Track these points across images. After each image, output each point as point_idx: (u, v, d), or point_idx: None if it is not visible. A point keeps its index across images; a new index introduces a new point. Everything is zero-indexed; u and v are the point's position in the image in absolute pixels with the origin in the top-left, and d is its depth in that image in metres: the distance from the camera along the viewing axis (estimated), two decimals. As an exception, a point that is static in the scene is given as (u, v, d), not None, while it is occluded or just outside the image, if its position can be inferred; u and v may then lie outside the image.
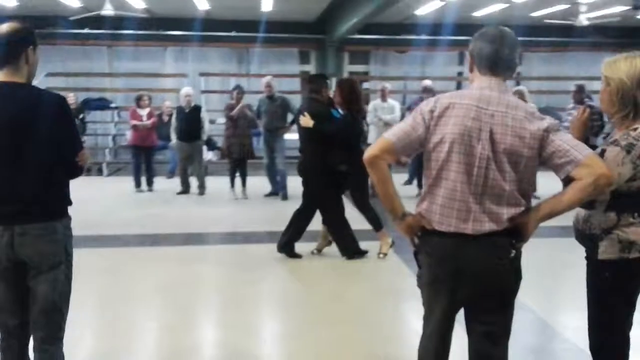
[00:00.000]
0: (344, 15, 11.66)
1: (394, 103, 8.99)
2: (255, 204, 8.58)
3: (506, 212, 2.10)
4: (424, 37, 13.11)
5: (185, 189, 9.24)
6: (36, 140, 2.37)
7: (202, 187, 9.18)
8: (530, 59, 14.36)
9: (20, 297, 2.45)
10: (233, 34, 12.96)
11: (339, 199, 5.62)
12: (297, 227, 5.62)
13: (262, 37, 12.68)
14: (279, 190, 8.81)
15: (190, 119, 8.85)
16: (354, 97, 5.41)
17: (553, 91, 13.33)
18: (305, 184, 5.62)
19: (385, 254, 5.58)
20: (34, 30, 2.49)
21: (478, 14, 11.59)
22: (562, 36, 13.36)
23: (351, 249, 5.58)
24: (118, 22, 10.88)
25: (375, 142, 2.21)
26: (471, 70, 2.22)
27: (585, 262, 2.42)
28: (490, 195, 2.09)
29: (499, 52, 2.12)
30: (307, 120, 5.31)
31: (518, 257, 2.17)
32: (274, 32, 12.47)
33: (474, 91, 2.15)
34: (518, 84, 13.94)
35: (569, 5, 10.54)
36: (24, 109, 2.37)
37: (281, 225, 7.04)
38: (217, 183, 9.51)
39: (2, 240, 2.36)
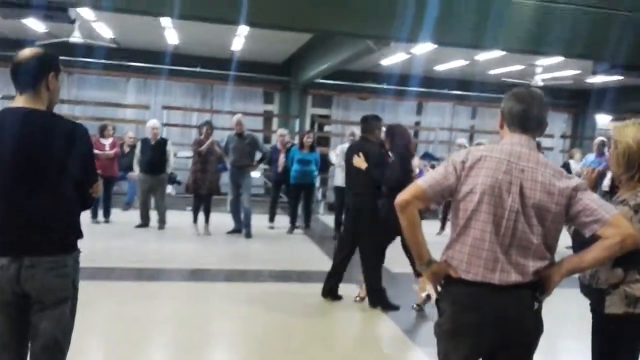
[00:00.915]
0: (311, 60, 11.89)
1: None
2: (218, 240, 8.45)
3: (532, 265, 2.16)
4: (385, 86, 13.51)
5: (145, 222, 9.02)
6: (51, 169, 2.30)
7: (162, 222, 8.98)
8: (484, 114, 14.98)
9: (19, 332, 2.32)
10: (198, 69, 12.96)
11: (383, 246, 5.48)
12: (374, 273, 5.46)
13: (228, 75, 12.74)
14: (242, 227, 8.73)
15: (155, 152, 8.71)
16: (403, 143, 5.30)
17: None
18: (352, 224, 5.47)
19: (420, 306, 5.44)
20: (56, 56, 2.43)
21: (439, 68, 12.06)
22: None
23: (381, 301, 5.44)
24: (82, 50, 10.71)
25: (408, 188, 2.27)
26: (501, 127, 2.33)
27: (589, 314, 2.51)
28: (518, 247, 2.16)
29: (528, 112, 2.24)
30: (360, 162, 5.19)
31: (540, 309, 2.23)
32: (240, 70, 12.55)
33: (505, 146, 2.24)
34: (471, 137, 14.61)
35: (525, 67, 11.12)
36: (41, 136, 2.30)
37: (242, 263, 7.04)
38: (176, 217, 9.34)
39: (8, 272, 2.24)
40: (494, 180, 2.16)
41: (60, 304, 2.33)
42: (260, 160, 9.00)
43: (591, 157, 9.40)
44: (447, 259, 2.24)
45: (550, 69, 11.15)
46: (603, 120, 15.83)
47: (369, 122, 5.49)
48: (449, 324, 2.23)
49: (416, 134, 14.31)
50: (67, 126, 2.37)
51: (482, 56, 10.42)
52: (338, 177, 8.98)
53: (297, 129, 13.23)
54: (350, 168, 5.43)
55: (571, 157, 11.71)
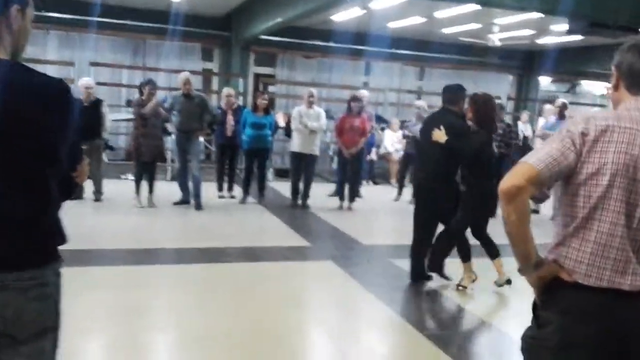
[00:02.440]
0: (256, 14, 10.98)
1: (319, 110, 8.48)
2: (165, 213, 7.61)
3: None
4: (334, 44, 12.81)
5: (79, 194, 7.99)
6: (20, 147, 1.55)
7: (98, 192, 8.00)
8: (431, 75, 14.64)
9: None
10: (129, 22, 11.73)
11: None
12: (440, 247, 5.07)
13: (162, 28, 11.60)
14: (190, 198, 7.93)
15: (89, 115, 7.65)
16: (483, 113, 4.80)
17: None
18: (424, 199, 5.06)
19: (465, 287, 5.00)
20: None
21: (393, 25, 11.48)
22: (466, 55, 13.75)
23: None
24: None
25: (515, 169, 1.74)
26: (616, 88, 1.83)
27: None
28: None
29: None
30: (440, 135, 4.72)
31: None
32: (176, 24, 11.43)
33: (632, 112, 1.74)
34: (419, 98, 14.26)
35: (482, 25, 10.75)
36: (6, 97, 1.52)
37: (194, 239, 6.25)
38: (113, 187, 8.39)
39: None
40: (628, 158, 1.68)
41: (39, 337, 1.63)
42: (211, 124, 8.15)
43: (552, 119, 9.18)
44: (559, 259, 1.77)
45: (506, 28, 10.83)
46: (544, 82, 15.92)
47: (453, 92, 5.03)
48: (558, 338, 1.75)
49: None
50: (42, 83, 1.61)
51: (441, 13, 9.92)
52: (295, 142, 8.30)
53: (241, 89, 12.33)
54: (426, 142, 4.96)
55: (519, 119, 11.59)
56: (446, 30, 11.70)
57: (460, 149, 4.74)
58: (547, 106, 12.09)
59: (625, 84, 1.80)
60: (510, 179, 1.71)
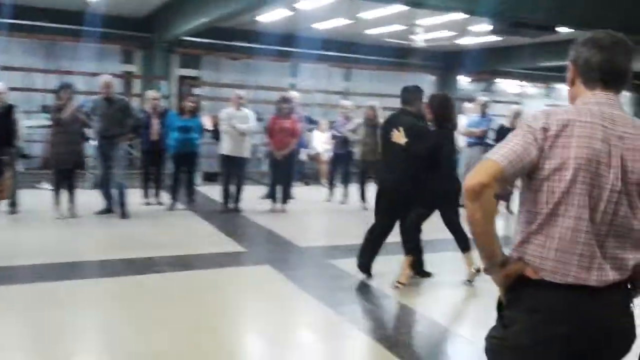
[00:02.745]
0: (180, 15, 10.65)
1: (248, 112, 8.31)
2: (88, 223, 7.20)
3: (632, 257, 1.72)
4: (260, 45, 12.66)
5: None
6: None
7: (14, 205, 7.46)
8: (358, 76, 14.77)
9: None
10: (42, 23, 11.07)
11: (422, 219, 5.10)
12: (375, 246, 5.23)
13: (79, 30, 11.04)
14: (114, 206, 7.55)
15: (1, 122, 7.11)
16: (443, 113, 4.88)
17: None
18: (388, 201, 5.09)
19: (470, 281, 5.09)
20: None
21: (319, 26, 11.48)
22: (390, 56, 13.97)
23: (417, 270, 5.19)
24: None
25: (479, 166, 1.70)
26: (572, 83, 1.83)
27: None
28: (615, 237, 1.70)
29: (612, 61, 1.75)
30: (399, 136, 4.79)
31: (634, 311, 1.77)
32: (93, 25, 10.90)
33: (592, 107, 1.73)
34: (346, 99, 14.35)
35: (406, 27, 10.93)
36: None
37: (121, 250, 5.94)
38: (29, 198, 7.86)
39: None
40: (590, 152, 1.66)
41: None
42: (136, 129, 7.79)
43: (475, 117, 9.46)
44: (524, 257, 1.74)
45: (429, 30, 11.07)
46: (463, 81, 16.45)
47: (410, 93, 5.12)
48: (526, 338, 1.72)
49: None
50: None
51: (366, 14, 10.00)
52: (225, 145, 8.09)
53: (164, 91, 11.93)
54: (387, 143, 5.03)
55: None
56: (371, 32, 11.82)
57: (416, 150, 4.81)
58: (468, 104, 12.52)
59: (582, 79, 1.79)
60: (475, 177, 1.67)
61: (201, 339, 3.78)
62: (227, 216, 7.92)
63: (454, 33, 11.50)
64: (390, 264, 5.82)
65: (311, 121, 12.22)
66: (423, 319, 4.43)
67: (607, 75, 1.75)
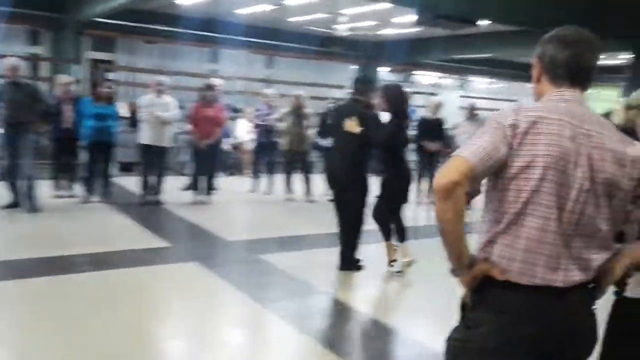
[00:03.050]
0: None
1: (169, 99, 7.93)
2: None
3: (596, 258, 1.69)
4: (177, 29, 12.16)
5: None
6: None
7: None
8: (280, 64, 14.57)
9: None
10: None
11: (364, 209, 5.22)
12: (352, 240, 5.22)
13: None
14: (22, 200, 6.98)
15: None
16: (397, 103, 5.03)
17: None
18: (340, 192, 5.17)
19: (399, 272, 5.21)
20: None
21: (241, 12, 11.17)
22: (313, 44, 13.86)
23: (352, 263, 5.26)
24: None
25: (449, 163, 1.64)
26: (538, 80, 1.79)
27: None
28: (582, 237, 1.67)
29: (579, 58, 1.72)
30: (353, 125, 4.88)
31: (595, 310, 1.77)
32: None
33: (558, 104, 1.70)
34: (268, 86, 14.13)
35: (329, 15, 10.86)
36: None
37: (31, 248, 5.50)
38: None
39: None
40: (559, 150, 1.62)
41: None
42: (47, 116, 7.21)
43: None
44: (490, 257, 1.69)
45: (353, 19, 11.06)
46: (382, 72, 16.66)
47: (364, 83, 5.27)
48: (493, 340, 1.68)
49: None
50: None
51: (290, 1, 9.83)
52: (144, 134, 7.69)
53: (75, 75, 11.18)
54: (337, 132, 5.10)
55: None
56: (294, 19, 11.66)
57: (373, 137, 4.91)
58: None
59: (548, 76, 1.76)
60: (445, 175, 1.60)
61: (125, 343, 3.53)
62: (147, 209, 7.55)
63: (377, 23, 11.55)
64: (319, 257, 5.77)
65: (234, 109, 11.93)
66: (357, 313, 4.39)
67: (573, 73, 1.72)
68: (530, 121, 1.64)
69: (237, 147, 11.28)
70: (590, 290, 1.73)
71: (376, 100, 5.18)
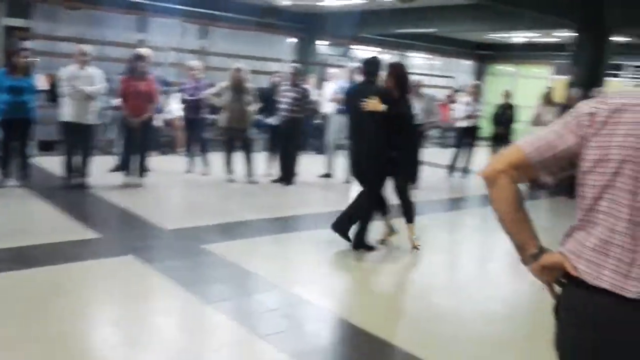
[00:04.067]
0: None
1: (95, 71, 7.16)
2: None
3: None
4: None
5: None
6: None
7: None
8: (215, 34, 13.77)
9: None
10: None
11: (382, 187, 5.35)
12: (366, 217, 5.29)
13: None
14: None
15: None
16: (405, 81, 5.24)
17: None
18: (363, 172, 5.23)
19: (417, 247, 5.43)
20: None
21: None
22: (250, 15, 13.19)
23: (363, 242, 5.33)
24: None
25: (504, 151, 1.66)
26: None
27: None
28: None
29: None
30: (377, 104, 4.89)
31: None
32: None
33: None
34: (201, 58, 13.37)
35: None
36: None
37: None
38: None
39: None
40: (638, 142, 1.44)
41: None
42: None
43: (343, 84, 9.17)
44: (563, 252, 1.59)
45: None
46: (320, 46, 16.17)
47: (374, 65, 5.31)
48: (559, 337, 1.62)
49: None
50: None
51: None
52: (67, 110, 6.91)
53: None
54: (356, 114, 5.11)
55: (307, 81, 11.52)
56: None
57: (403, 114, 5.06)
58: (333, 70, 12.26)
59: None
60: (492, 163, 1.63)
61: (55, 357, 3.00)
62: (72, 194, 6.83)
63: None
64: (266, 246, 5.39)
65: (165, 83, 11.16)
66: (317, 310, 4.02)
67: None
68: (610, 110, 1.49)
69: (169, 123, 10.58)
70: None
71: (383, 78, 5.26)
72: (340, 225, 5.31)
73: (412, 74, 16.10)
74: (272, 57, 14.26)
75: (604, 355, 1.50)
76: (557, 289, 1.63)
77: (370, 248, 5.35)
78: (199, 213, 6.45)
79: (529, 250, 1.61)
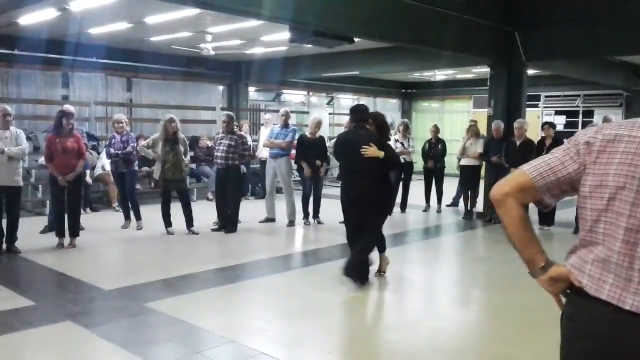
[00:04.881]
0: None
1: (17, 131, 6.87)
2: None
3: None
4: (21, 52, 10.84)
5: None
6: None
7: None
8: (141, 86, 13.59)
9: None
10: None
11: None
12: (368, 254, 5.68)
13: None
14: None
15: None
16: (387, 128, 6.11)
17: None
18: (365, 212, 5.57)
19: (384, 272, 5.98)
20: None
21: (95, 30, 10.19)
22: (176, 65, 13.13)
23: (364, 276, 5.64)
24: None
25: (510, 175, 1.80)
26: None
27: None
28: None
29: None
30: (376, 151, 5.43)
31: None
32: None
33: None
34: (129, 111, 13.17)
35: (194, 34, 10.27)
36: None
37: None
38: None
39: None
40: (632, 170, 1.58)
41: None
42: None
43: (277, 128, 9.24)
44: (569, 266, 1.73)
45: (219, 38, 10.56)
46: (250, 91, 16.30)
47: (364, 112, 5.83)
48: (562, 343, 1.75)
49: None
50: None
51: (151, 19, 9.12)
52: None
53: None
54: (354, 158, 5.54)
55: (241, 128, 11.53)
56: (156, 39, 10.89)
57: (397, 159, 6.03)
58: (268, 115, 12.36)
59: None
60: (500, 185, 1.76)
61: None
62: (1, 260, 6.43)
63: (243, 42, 11.16)
64: (212, 299, 5.23)
65: (92, 137, 10.86)
66: (266, 358, 3.91)
67: None
68: (607, 139, 1.63)
69: (101, 178, 10.25)
70: None
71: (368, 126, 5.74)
72: (364, 273, 5.62)
73: (341, 114, 16.59)
74: (203, 106, 14.21)
75: (599, 357, 1.61)
76: (563, 299, 1.76)
77: (367, 280, 5.66)
78: (138, 270, 6.21)
79: (537, 263, 1.74)
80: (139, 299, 5.06)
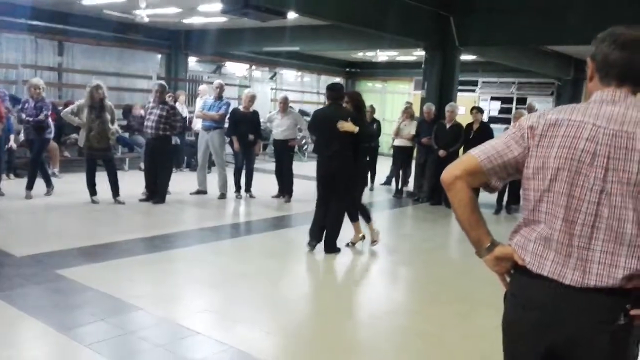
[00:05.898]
0: None
1: None
2: None
3: (625, 265, 1.64)
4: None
5: None
6: None
7: None
8: (73, 51, 13.07)
9: None
10: None
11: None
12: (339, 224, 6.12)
13: None
14: None
15: None
16: (362, 106, 6.36)
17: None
18: (335, 185, 5.95)
19: (354, 243, 6.43)
20: None
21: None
22: (110, 30, 12.69)
23: (335, 247, 6.13)
24: None
25: (459, 159, 1.87)
26: (591, 79, 1.82)
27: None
28: (606, 241, 1.66)
29: (633, 60, 1.72)
30: (351, 126, 5.76)
31: (629, 329, 1.64)
32: None
33: (591, 105, 1.74)
34: (59, 75, 12.69)
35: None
36: None
37: None
38: None
39: None
40: (572, 152, 1.68)
41: None
42: None
43: (210, 100, 9.11)
44: (511, 244, 1.83)
45: (154, 5, 10.25)
46: (191, 62, 15.98)
47: (339, 90, 6.22)
48: (505, 320, 1.86)
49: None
50: None
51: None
52: None
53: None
54: (330, 132, 5.85)
55: (176, 99, 11.32)
56: (87, 2, 10.46)
57: (372, 133, 6.41)
58: (203, 87, 12.14)
59: (599, 75, 1.77)
60: (450, 169, 1.82)
61: None
62: None
63: (179, 10, 10.87)
64: (132, 267, 5.18)
65: (18, 101, 10.39)
66: (182, 330, 3.91)
67: (623, 74, 1.71)
68: (549, 123, 1.71)
69: (23, 144, 9.85)
70: (616, 299, 1.63)
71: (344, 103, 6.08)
72: (332, 246, 6.05)
73: (283, 89, 16.50)
74: (140, 74, 13.83)
75: (544, 330, 1.71)
76: (507, 279, 1.85)
77: (339, 250, 6.12)
78: (56, 237, 6.04)
79: (483, 244, 1.83)
80: (52, 266, 4.95)
